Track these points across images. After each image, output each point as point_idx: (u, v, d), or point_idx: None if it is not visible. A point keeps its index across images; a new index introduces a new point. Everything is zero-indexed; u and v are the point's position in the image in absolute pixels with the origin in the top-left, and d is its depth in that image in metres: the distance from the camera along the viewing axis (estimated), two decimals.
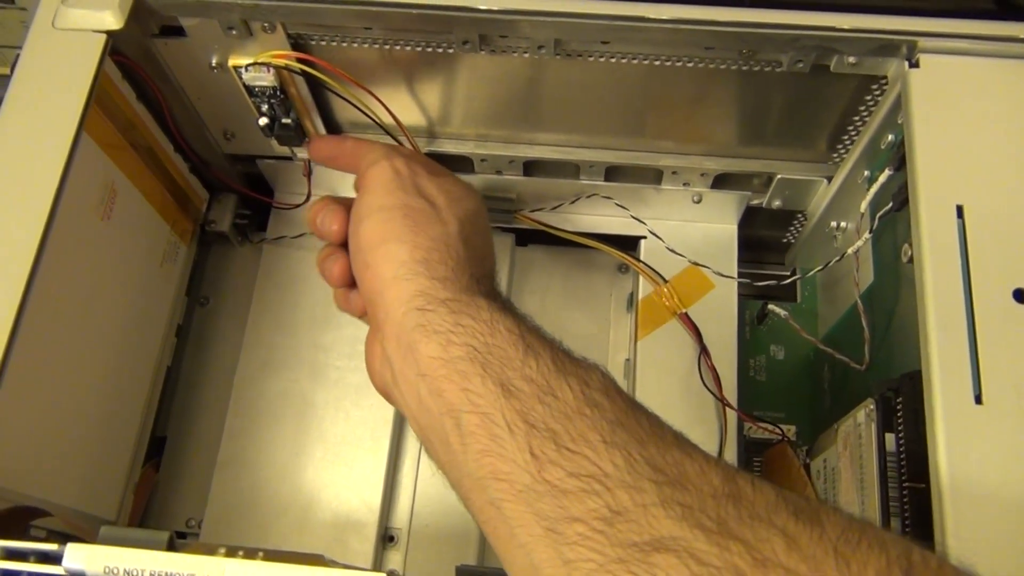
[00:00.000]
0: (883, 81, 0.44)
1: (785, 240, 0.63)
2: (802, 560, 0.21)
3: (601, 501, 0.24)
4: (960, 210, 0.37)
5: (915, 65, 0.41)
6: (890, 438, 0.38)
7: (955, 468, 0.33)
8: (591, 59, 0.45)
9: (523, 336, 0.30)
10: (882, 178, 0.45)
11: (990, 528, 0.32)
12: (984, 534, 0.32)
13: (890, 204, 0.43)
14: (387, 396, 0.37)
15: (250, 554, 0.33)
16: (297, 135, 0.51)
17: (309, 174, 0.56)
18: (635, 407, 0.28)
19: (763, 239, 0.63)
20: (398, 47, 0.45)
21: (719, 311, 0.56)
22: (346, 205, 0.41)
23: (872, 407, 0.40)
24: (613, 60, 0.45)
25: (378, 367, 0.36)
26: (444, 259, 0.34)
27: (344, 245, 0.41)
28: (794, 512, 0.23)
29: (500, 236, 0.60)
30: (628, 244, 0.58)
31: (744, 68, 0.45)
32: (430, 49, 0.46)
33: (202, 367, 0.59)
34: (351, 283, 0.41)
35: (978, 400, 0.34)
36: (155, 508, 0.55)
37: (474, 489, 0.29)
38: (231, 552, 0.33)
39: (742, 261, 0.58)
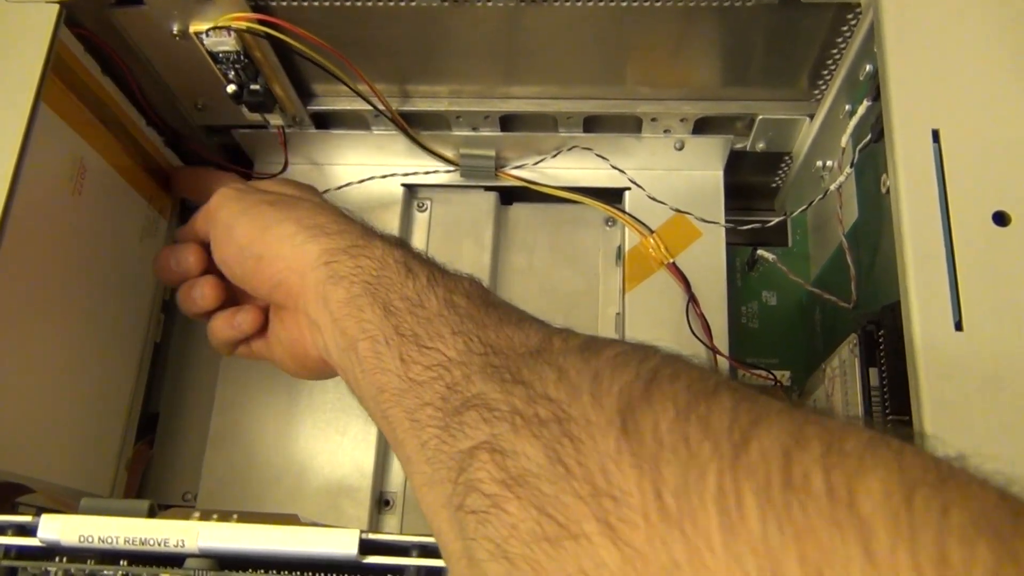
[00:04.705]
0: (857, 9, 0.43)
1: (775, 185, 0.61)
2: (565, 389, 0.23)
3: (443, 383, 0.27)
4: (936, 134, 0.36)
5: None
6: (873, 372, 0.37)
7: (936, 397, 0.32)
8: (557, 3, 0.44)
9: (407, 263, 0.32)
10: (861, 110, 0.44)
11: (972, 455, 0.31)
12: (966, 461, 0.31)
13: (869, 136, 0.42)
14: (322, 371, 0.39)
15: (224, 516, 0.33)
16: (267, 101, 0.50)
17: (284, 142, 0.55)
18: (493, 304, 0.30)
19: (752, 186, 0.61)
20: (359, 2, 0.45)
21: (707, 259, 0.55)
22: (190, 237, 0.44)
23: (855, 342, 0.39)
24: (580, 3, 0.44)
25: (309, 346, 0.37)
26: (331, 219, 0.36)
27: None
28: (580, 349, 0.25)
29: (483, 195, 0.60)
30: (613, 197, 0.57)
31: (714, 4, 0.44)
32: (392, 3, 0.45)
33: (192, 342, 0.59)
34: (227, 299, 0.43)
35: (958, 327, 0.33)
36: (150, 484, 0.55)
37: (373, 411, 0.31)
38: (205, 516, 0.33)
39: (734, 209, 0.57)
